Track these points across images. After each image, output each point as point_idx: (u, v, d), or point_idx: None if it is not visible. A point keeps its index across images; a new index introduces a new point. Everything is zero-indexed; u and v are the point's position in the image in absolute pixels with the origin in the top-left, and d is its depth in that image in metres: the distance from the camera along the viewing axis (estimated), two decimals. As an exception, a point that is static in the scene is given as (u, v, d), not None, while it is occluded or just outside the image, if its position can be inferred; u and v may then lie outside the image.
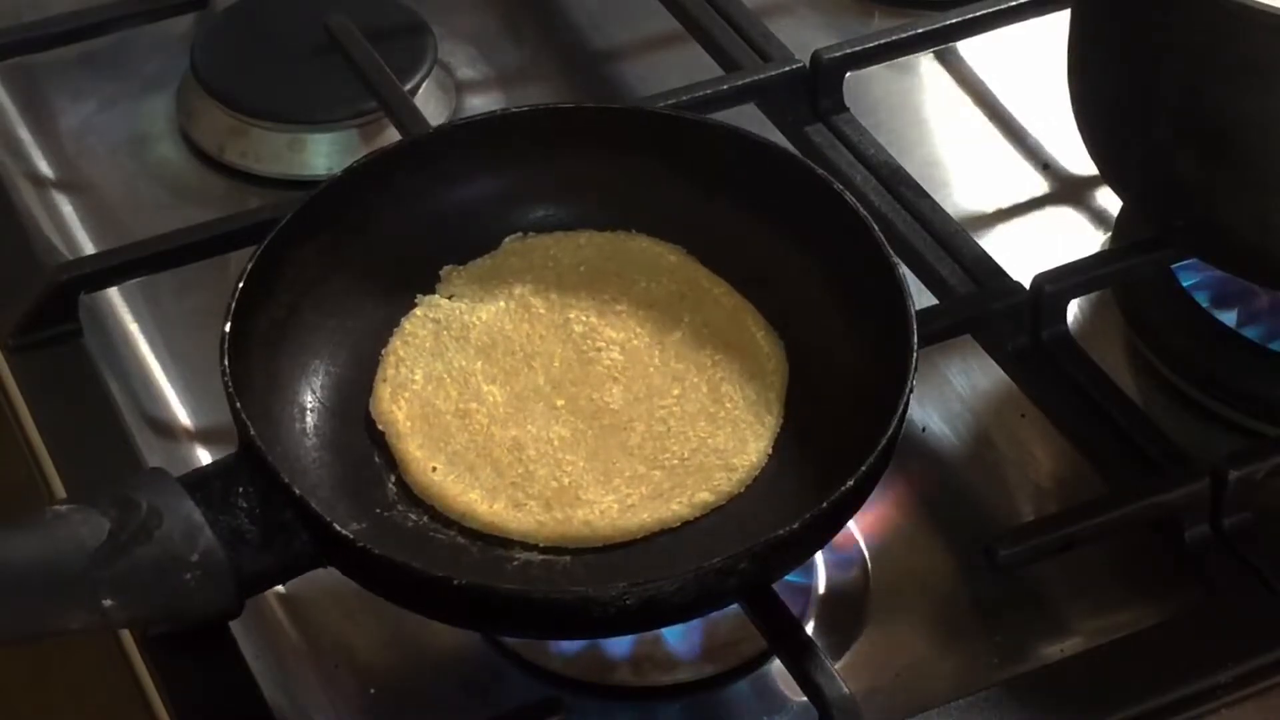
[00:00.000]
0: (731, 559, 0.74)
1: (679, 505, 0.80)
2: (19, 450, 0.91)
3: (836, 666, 0.78)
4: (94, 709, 0.95)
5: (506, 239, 0.89)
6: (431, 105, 1.07)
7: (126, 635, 0.82)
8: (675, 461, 0.82)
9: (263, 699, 0.79)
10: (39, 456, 0.89)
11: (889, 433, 0.77)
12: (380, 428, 0.83)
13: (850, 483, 0.76)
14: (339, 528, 0.75)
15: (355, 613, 0.84)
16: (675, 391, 0.84)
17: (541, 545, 0.80)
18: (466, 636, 0.83)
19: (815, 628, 0.84)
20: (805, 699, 0.78)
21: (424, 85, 1.07)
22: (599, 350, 0.85)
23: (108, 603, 0.73)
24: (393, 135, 1.02)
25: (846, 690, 0.77)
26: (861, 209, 0.85)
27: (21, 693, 1.08)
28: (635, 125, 0.90)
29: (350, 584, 0.78)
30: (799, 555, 0.78)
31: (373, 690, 0.82)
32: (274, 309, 0.84)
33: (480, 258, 0.89)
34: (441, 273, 0.88)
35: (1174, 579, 0.85)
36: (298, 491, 0.76)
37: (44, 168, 1.06)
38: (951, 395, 0.93)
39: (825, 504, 0.75)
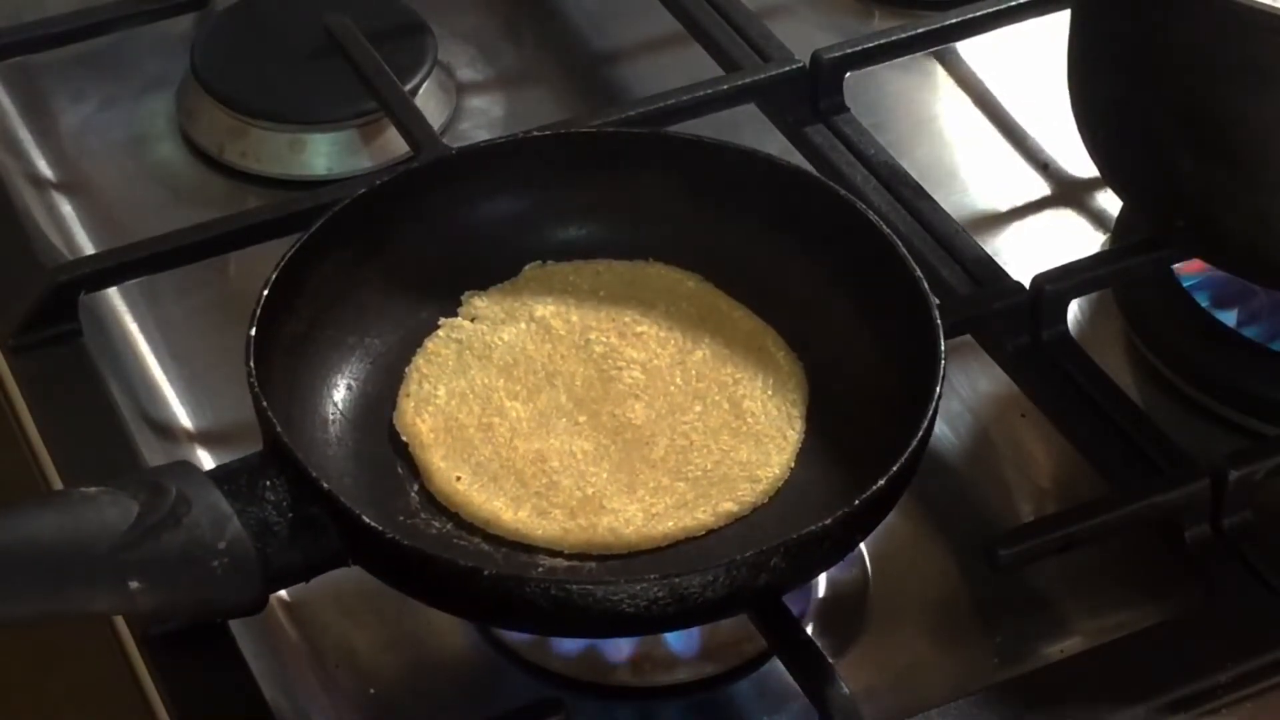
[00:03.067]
0: (764, 553, 0.74)
1: (704, 514, 0.80)
2: (19, 450, 0.91)
3: (837, 666, 0.78)
4: (94, 709, 0.95)
5: (526, 266, 0.90)
6: (431, 105, 1.06)
7: (127, 635, 0.82)
8: (699, 474, 0.82)
9: (263, 699, 0.79)
10: (39, 456, 0.89)
11: (922, 430, 0.78)
12: (404, 439, 0.83)
13: (882, 481, 0.76)
14: (367, 519, 0.75)
15: (356, 613, 0.84)
16: (697, 408, 0.84)
17: (567, 552, 0.80)
18: (467, 637, 0.83)
19: (815, 628, 0.84)
20: (805, 699, 0.78)
21: (424, 85, 1.07)
22: (620, 369, 0.85)
23: (134, 585, 0.73)
24: (393, 135, 1.03)
25: (846, 690, 0.77)
26: (885, 226, 0.85)
27: (21, 693, 1.08)
28: (657, 149, 0.90)
29: (351, 584, 0.78)
30: (830, 554, 0.78)
31: (373, 690, 0.82)
32: (295, 323, 0.84)
33: (500, 283, 0.89)
34: (463, 297, 0.88)
35: (1174, 579, 0.85)
36: (326, 486, 0.76)
37: (44, 168, 1.06)
38: (951, 395, 0.93)
39: (859, 501, 0.76)
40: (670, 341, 0.87)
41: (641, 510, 0.80)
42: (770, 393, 0.85)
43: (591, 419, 0.84)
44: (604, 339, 0.87)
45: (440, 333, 0.87)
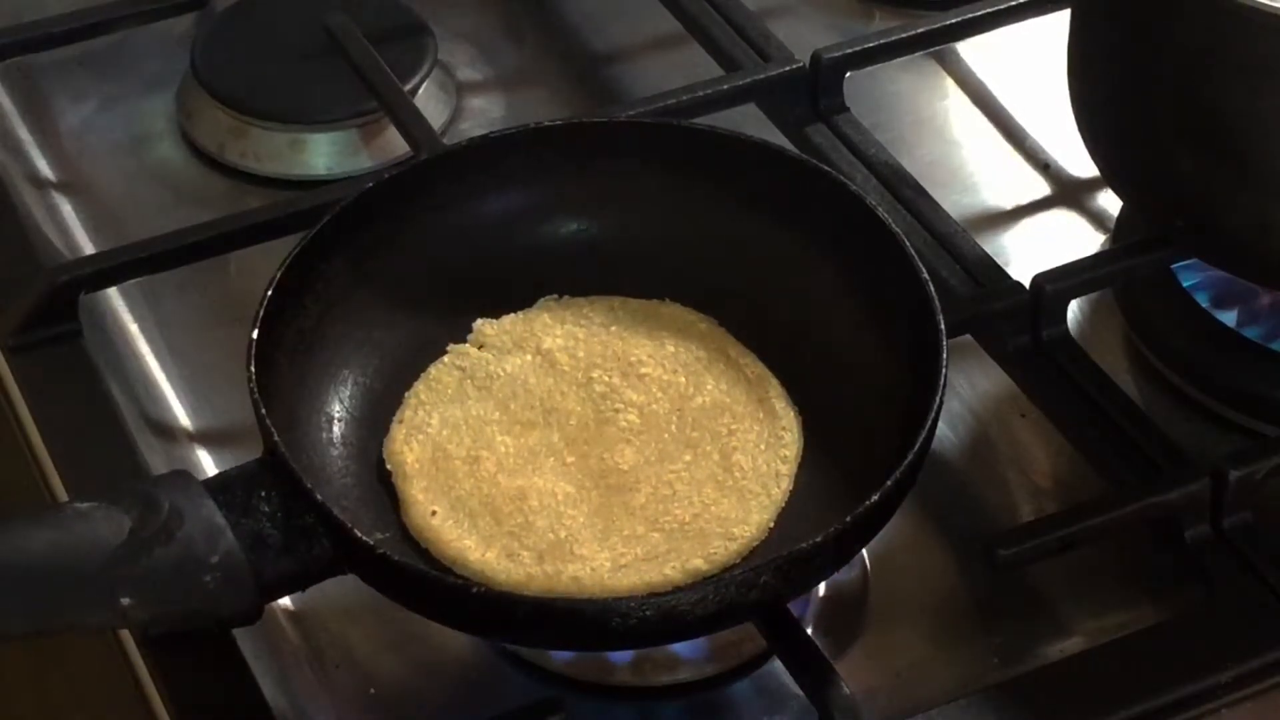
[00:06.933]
0: (753, 571, 0.74)
1: (671, 570, 0.79)
2: (19, 450, 0.91)
3: (837, 666, 0.78)
4: (94, 709, 0.95)
5: (541, 299, 0.89)
6: (431, 105, 1.06)
7: (127, 635, 0.82)
8: (675, 525, 0.81)
9: (263, 699, 0.79)
10: (39, 457, 0.89)
11: (917, 447, 0.77)
12: (389, 467, 0.83)
13: (876, 497, 0.76)
14: (359, 534, 0.75)
15: (356, 613, 0.84)
16: (686, 457, 0.83)
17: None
18: (467, 638, 0.83)
19: (815, 628, 0.84)
20: (805, 699, 0.78)
21: (424, 85, 1.07)
22: (616, 412, 0.85)
23: (126, 601, 0.73)
24: (393, 135, 1.03)
25: (846, 690, 0.77)
26: (894, 226, 0.85)
27: (21, 692, 1.08)
28: (666, 139, 0.90)
29: (350, 584, 0.78)
30: (824, 569, 0.78)
31: (373, 690, 0.83)
32: (302, 319, 0.84)
33: (510, 297, 0.89)
34: (475, 325, 0.88)
35: (1174, 579, 0.85)
36: (319, 497, 0.76)
37: (44, 168, 1.06)
38: (951, 395, 0.93)
39: (850, 518, 0.75)
40: (672, 386, 0.86)
41: (610, 559, 0.79)
42: (763, 447, 0.84)
43: (579, 460, 0.83)
44: (606, 378, 0.86)
45: (445, 359, 0.87)
